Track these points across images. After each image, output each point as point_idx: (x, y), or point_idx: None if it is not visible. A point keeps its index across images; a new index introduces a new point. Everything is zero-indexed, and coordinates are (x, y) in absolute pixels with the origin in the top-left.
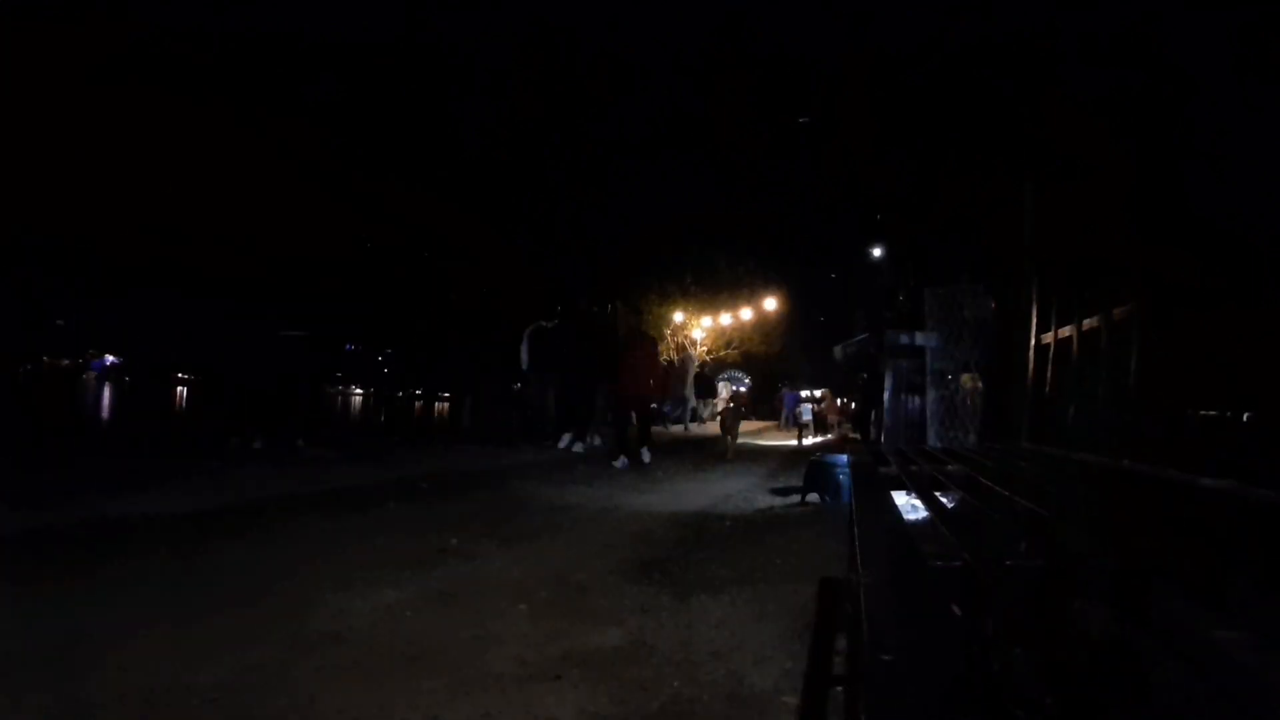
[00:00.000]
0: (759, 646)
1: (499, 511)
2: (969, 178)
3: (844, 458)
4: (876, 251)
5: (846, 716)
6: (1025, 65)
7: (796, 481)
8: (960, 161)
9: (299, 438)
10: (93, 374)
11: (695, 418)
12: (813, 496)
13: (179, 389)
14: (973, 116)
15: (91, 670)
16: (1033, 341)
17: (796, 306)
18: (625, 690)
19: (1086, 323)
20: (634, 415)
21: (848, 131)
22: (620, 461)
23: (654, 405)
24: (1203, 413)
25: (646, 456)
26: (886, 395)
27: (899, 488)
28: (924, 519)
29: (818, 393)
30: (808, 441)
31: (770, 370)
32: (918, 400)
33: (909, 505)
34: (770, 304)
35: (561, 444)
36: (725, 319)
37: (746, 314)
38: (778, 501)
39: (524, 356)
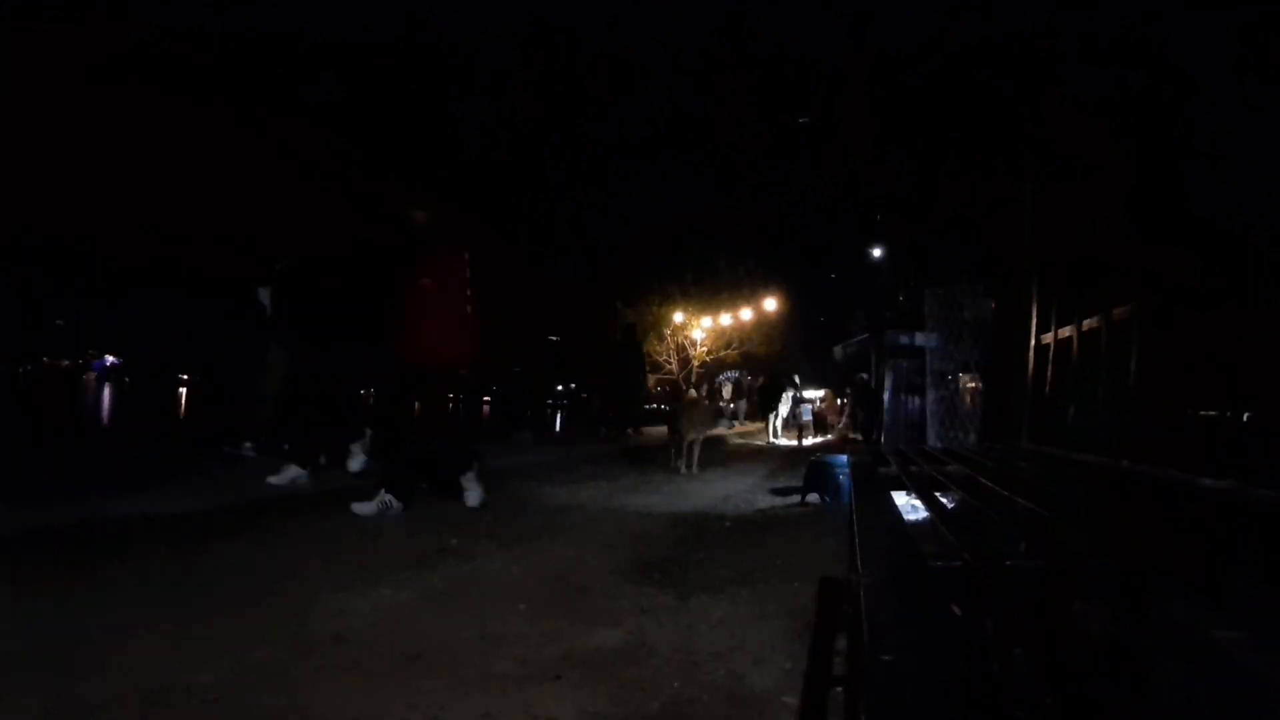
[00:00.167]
0: (759, 647)
1: (498, 511)
2: (969, 178)
3: (844, 458)
4: (876, 251)
5: (846, 716)
6: (1025, 65)
7: (796, 481)
8: (960, 161)
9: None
10: (93, 374)
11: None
12: (813, 497)
13: (179, 390)
14: (973, 116)
15: (91, 670)
16: (1033, 341)
17: (796, 306)
18: (625, 690)
19: (1086, 323)
20: (424, 404)
21: (848, 131)
22: (368, 506)
23: (458, 382)
24: (1203, 413)
25: (473, 497)
26: (886, 395)
27: (899, 488)
28: (924, 519)
29: (819, 393)
30: (808, 441)
31: (770, 370)
32: (918, 400)
33: (909, 505)
34: (770, 304)
35: (280, 478)
36: (725, 319)
37: (746, 314)
38: (778, 501)
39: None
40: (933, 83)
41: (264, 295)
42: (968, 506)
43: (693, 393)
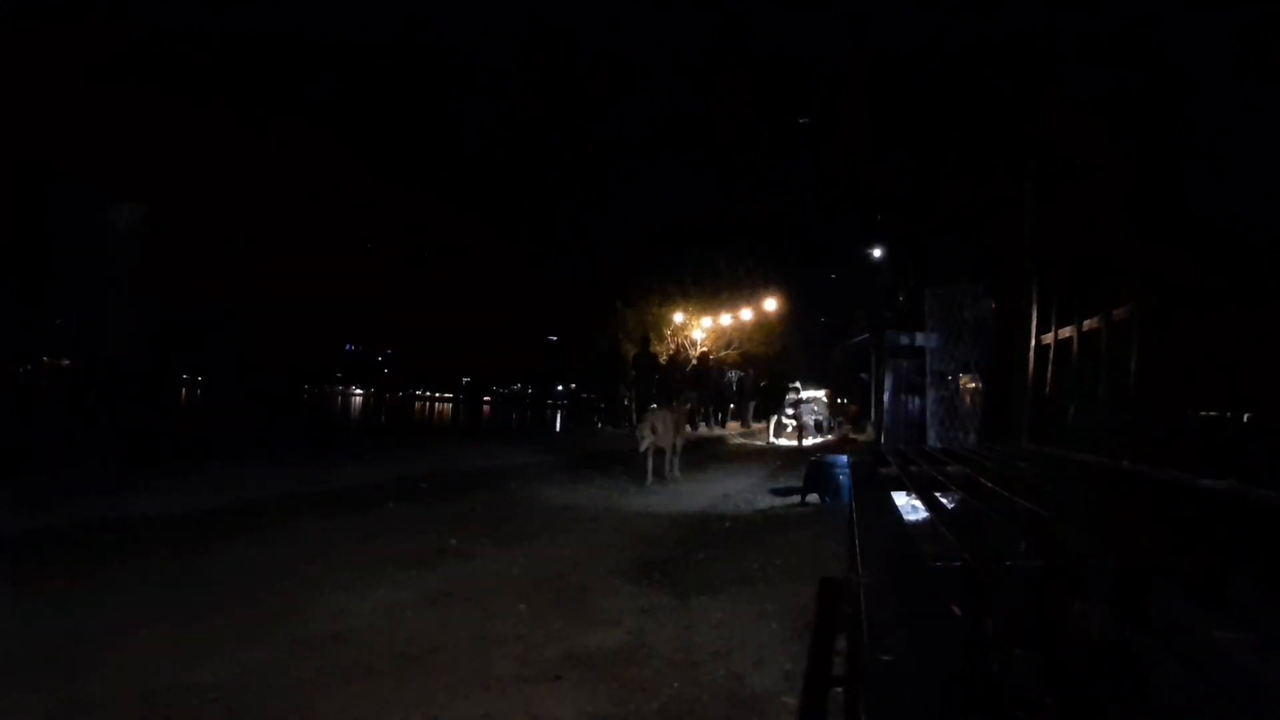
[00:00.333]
0: (759, 647)
1: (498, 512)
2: (969, 178)
3: (844, 458)
4: (876, 251)
5: (846, 716)
6: (1025, 65)
7: (796, 481)
8: (960, 161)
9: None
10: None
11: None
12: (813, 497)
13: (179, 390)
14: (973, 116)
15: (92, 670)
16: (1033, 341)
17: (796, 306)
18: (625, 691)
19: (1086, 323)
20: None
21: (848, 131)
22: None
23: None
24: (1203, 413)
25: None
26: (886, 395)
27: (899, 488)
28: (924, 519)
29: (820, 393)
30: (808, 442)
31: (771, 370)
32: (918, 400)
33: (909, 505)
34: (770, 304)
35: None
36: (725, 319)
37: (746, 314)
38: (778, 502)
39: None
40: (933, 83)
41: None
42: (968, 506)
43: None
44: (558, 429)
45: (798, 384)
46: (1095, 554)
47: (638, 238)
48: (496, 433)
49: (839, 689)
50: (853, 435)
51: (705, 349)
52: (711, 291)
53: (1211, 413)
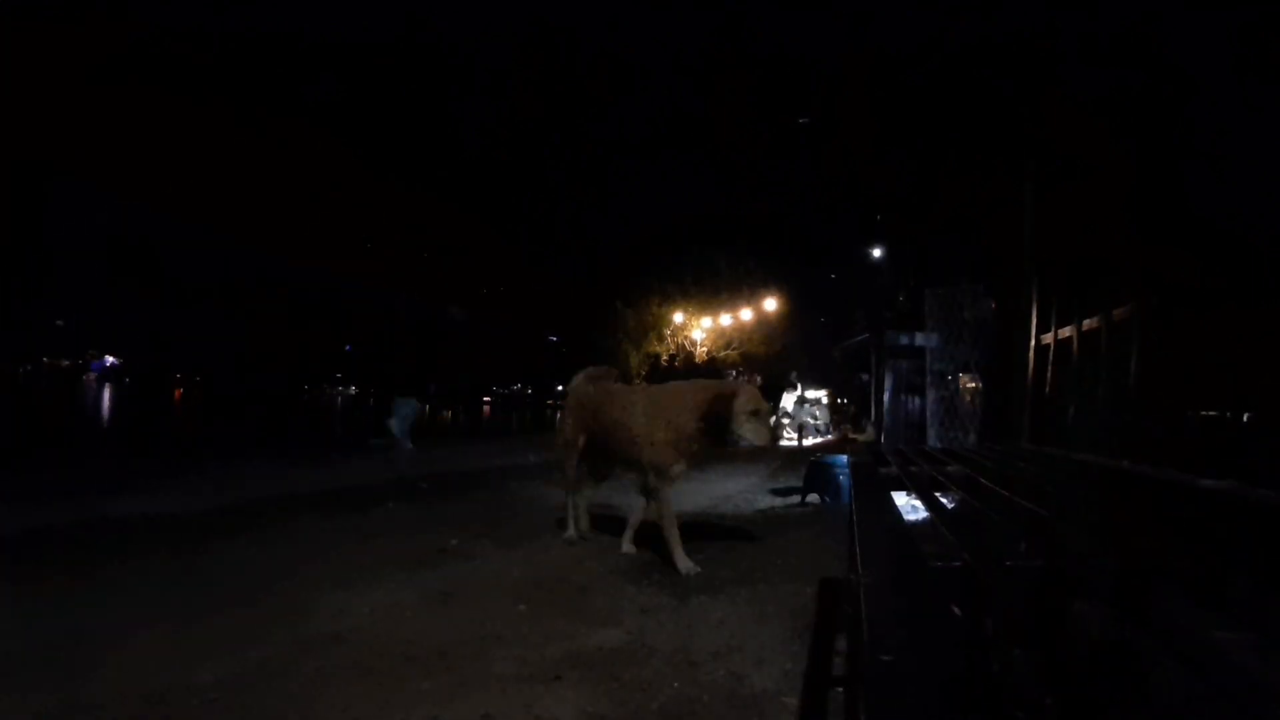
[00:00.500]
0: (759, 647)
1: (498, 512)
2: (969, 178)
3: (844, 458)
4: (876, 251)
5: (846, 717)
6: (1025, 65)
7: (796, 481)
8: (960, 161)
9: None
10: (93, 375)
11: None
12: (813, 497)
13: (178, 390)
14: (973, 116)
15: (92, 670)
16: (1033, 341)
17: (796, 306)
18: (625, 691)
19: (1086, 323)
20: None
21: (848, 131)
22: None
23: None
24: (1203, 413)
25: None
26: (886, 395)
27: (899, 488)
28: (924, 519)
29: (820, 393)
30: (808, 442)
31: (771, 370)
32: (918, 400)
33: (909, 506)
34: (770, 304)
35: None
36: (725, 319)
37: (746, 314)
38: (778, 502)
39: None
40: (933, 83)
41: None
42: (968, 507)
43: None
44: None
45: (797, 380)
46: (1095, 554)
47: (638, 238)
48: (497, 433)
49: (839, 689)
50: (853, 435)
51: (705, 350)
52: (711, 291)
53: (1211, 413)
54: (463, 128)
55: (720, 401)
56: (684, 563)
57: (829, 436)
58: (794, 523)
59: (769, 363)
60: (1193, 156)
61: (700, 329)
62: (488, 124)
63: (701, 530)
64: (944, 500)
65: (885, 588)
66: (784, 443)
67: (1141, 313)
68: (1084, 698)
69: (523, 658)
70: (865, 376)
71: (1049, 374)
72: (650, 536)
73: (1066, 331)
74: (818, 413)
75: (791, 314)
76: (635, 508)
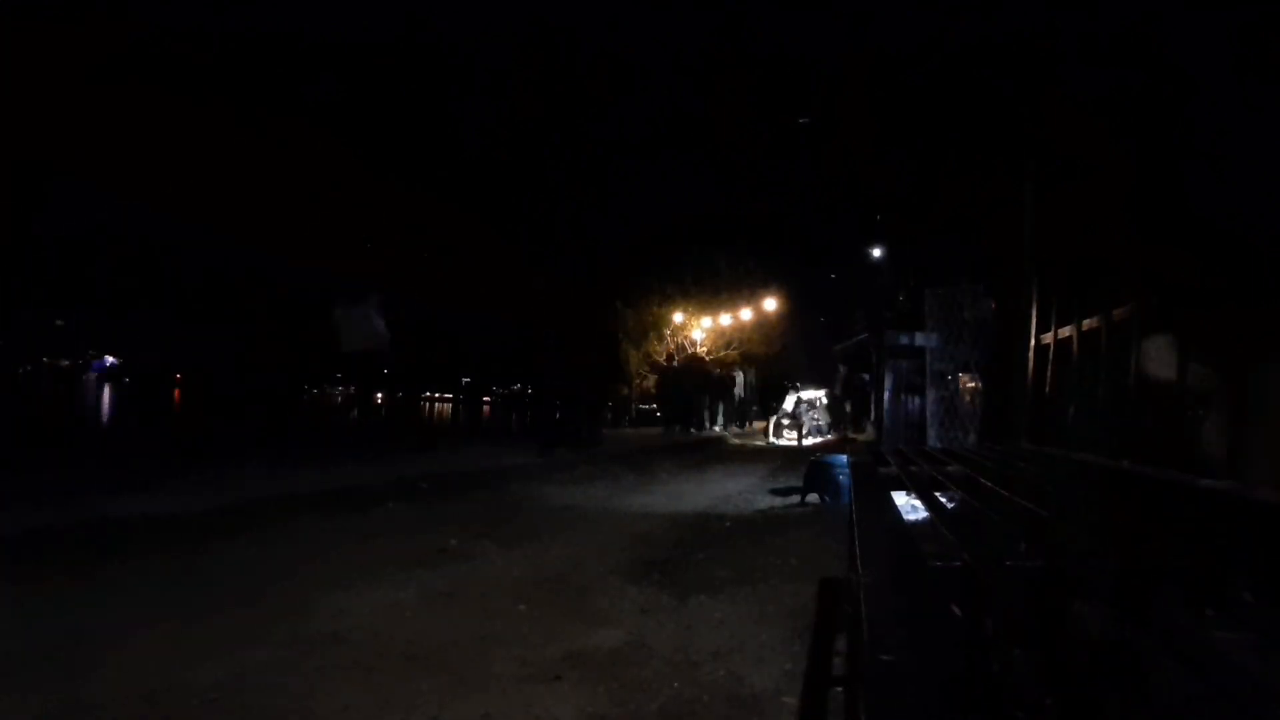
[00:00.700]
0: (759, 647)
1: (499, 512)
2: (969, 178)
3: (844, 458)
4: (876, 251)
5: (846, 716)
6: (1025, 65)
7: (796, 481)
8: (960, 161)
9: None
10: (93, 375)
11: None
12: (813, 497)
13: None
14: (973, 116)
15: (92, 670)
16: (1033, 341)
17: (796, 306)
18: (625, 690)
19: (1086, 323)
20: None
21: (848, 131)
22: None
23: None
24: (1202, 413)
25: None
26: (886, 395)
27: (899, 488)
28: (924, 519)
29: (820, 393)
30: (808, 442)
31: (771, 370)
32: (918, 400)
33: (909, 505)
34: (770, 304)
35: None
36: (725, 319)
37: (746, 314)
38: (778, 501)
39: None
40: (933, 83)
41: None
42: (968, 506)
43: None
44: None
45: (797, 383)
46: (1095, 554)
47: (638, 238)
48: (497, 433)
49: (839, 689)
50: (853, 435)
51: (705, 351)
52: (711, 291)
53: (1211, 413)
54: (463, 128)
55: None
56: None
57: (829, 436)
58: (794, 523)
59: (769, 363)
60: (1193, 156)
61: (700, 329)
62: (488, 124)
63: (702, 530)
64: (944, 500)
65: (885, 588)
66: (784, 443)
67: (1141, 313)
68: (1084, 698)
69: (523, 658)
70: (865, 376)
71: (1049, 374)
72: (651, 536)
73: (1066, 331)
74: (815, 408)
75: (791, 314)
76: (634, 506)
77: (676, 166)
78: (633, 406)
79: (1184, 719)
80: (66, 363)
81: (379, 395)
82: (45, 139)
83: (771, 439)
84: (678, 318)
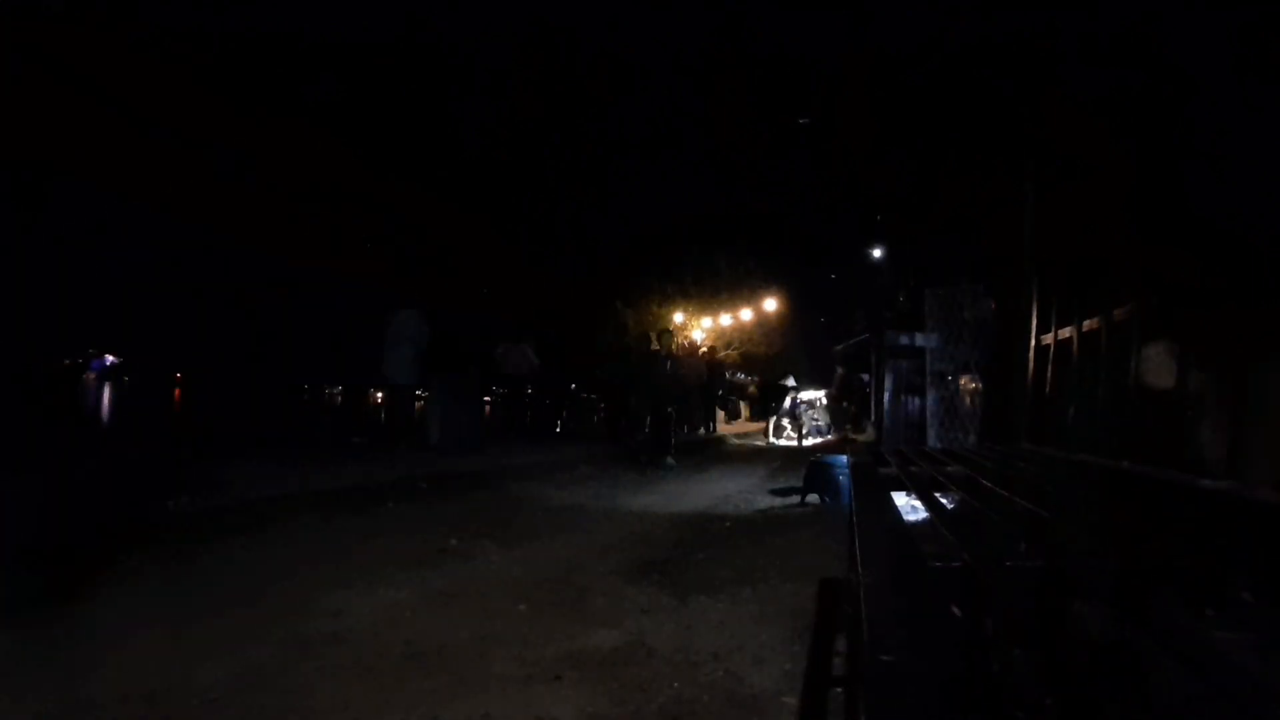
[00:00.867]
0: (759, 647)
1: (499, 512)
2: (969, 178)
3: (844, 458)
4: (876, 251)
5: (846, 716)
6: (1025, 65)
7: (796, 481)
8: (960, 161)
9: None
10: (92, 374)
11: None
12: (813, 497)
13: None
14: (973, 116)
15: (92, 670)
16: (1033, 341)
17: (796, 306)
18: (625, 691)
19: (1086, 323)
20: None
21: (848, 131)
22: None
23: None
24: (1203, 413)
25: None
26: (886, 395)
27: (899, 488)
28: (924, 519)
29: (820, 393)
30: (808, 442)
31: (772, 370)
32: (918, 400)
33: (909, 506)
34: (770, 304)
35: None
36: (725, 319)
37: (746, 314)
38: (778, 502)
39: None
40: (933, 83)
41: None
42: (968, 507)
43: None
44: (558, 429)
45: (795, 382)
46: (1095, 554)
47: (638, 238)
48: (496, 432)
49: (839, 689)
50: (853, 435)
51: (707, 346)
52: (711, 291)
53: (1211, 412)
54: (463, 128)
55: None
56: None
57: (829, 436)
58: (794, 523)
59: (769, 363)
60: (1193, 156)
61: (700, 329)
62: (488, 124)
63: (702, 530)
64: (944, 500)
65: (885, 588)
66: (784, 443)
67: (1141, 313)
68: (1084, 698)
69: (523, 658)
70: (865, 376)
71: (1049, 374)
72: (651, 536)
73: (1066, 331)
74: (815, 408)
75: (791, 314)
76: (634, 506)
77: (676, 166)
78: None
79: (1184, 719)
80: (67, 362)
81: (379, 395)
82: (45, 139)
83: (771, 439)
84: (678, 318)
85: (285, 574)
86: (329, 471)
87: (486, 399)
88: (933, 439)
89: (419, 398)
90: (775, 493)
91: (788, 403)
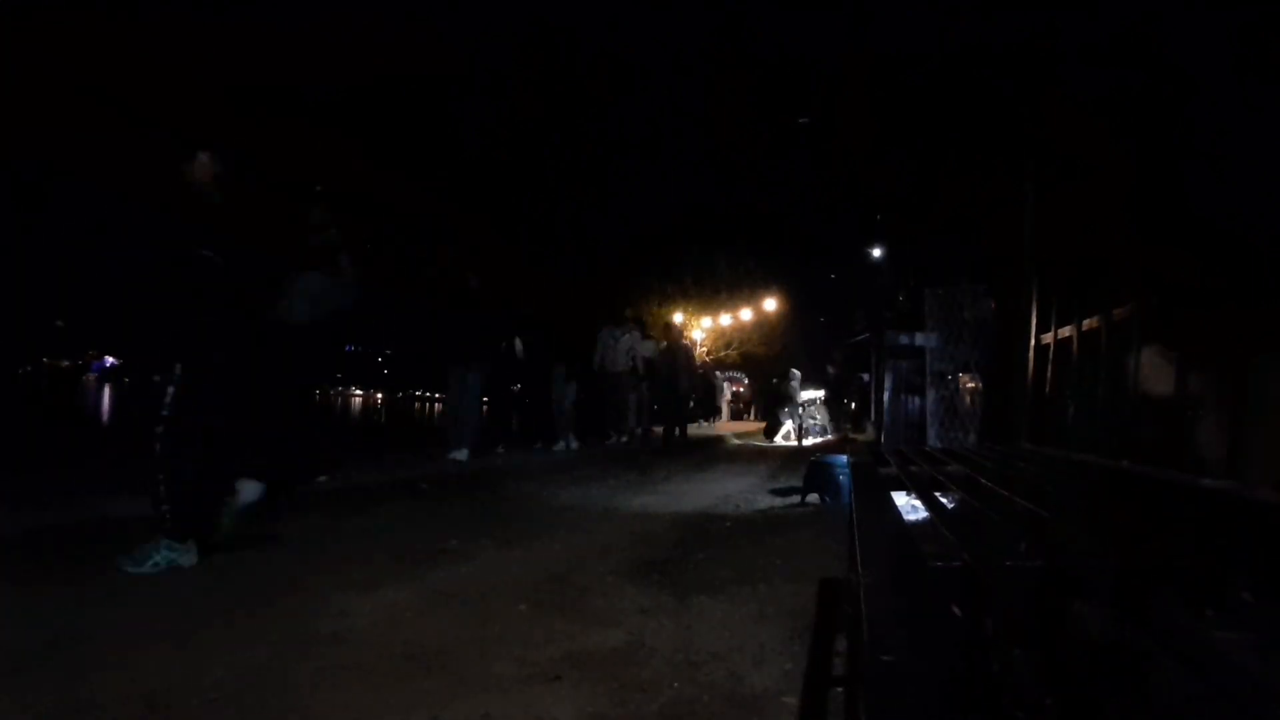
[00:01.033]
0: (759, 647)
1: (498, 512)
2: (969, 178)
3: (844, 458)
4: (876, 251)
5: (846, 717)
6: (1025, 65)
7: (796, 481)
8: (960, 161)
9: None
10: (93, 375)
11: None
12: (813, 497)
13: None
14: (973, 116)
15: (92, 670)
16: (1033, 341)
17: (796, 306)
18: (625, 691)
19: (1086, 323)
20: None
21: (848, 131)
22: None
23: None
24: (1203, 413)
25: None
26: (886, 395)
27: (899, 488)
28: (924, 519)
29: (819, 393)
30: (808, 442)
31: (772, 370)
32: (918, 400)
33: (909, 505)
34: (770, 304)
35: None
36: (725, 319)
37: (746, 314)
38: (778, 502)
39: None
40: (933, 83)
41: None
42: (968, 507)
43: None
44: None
45: (797, 373)
46: (1095, 554)
47: (638, 238)
48: (497, 431)
49: (839, 689)
50: (853, 435)
51: (705, 349)
52: (711, 291)
53: (1211, 412)
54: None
55: None
56: None
57: (829, 436)
58: (794, 523)
59: (769, 363)
60: (1193, 156)
61: (700, 329)
62: (488, 124)
63: (702, 530)
64: (944, 500)
65: (885, 588)
66: (784, 443)
67: (1141, 313)
68: (1084, 698)
69: (523, 658)
70: (865, 376)
71: (1049, 374)
72: (652, 536)
73: (1066, 331)
74: (815, 408)
75: (791, 314)
76: (634, 506)
77: (676, 166)
78: None
79: (1184, 719)
80: (66, 363)
81: (378, 395)
82: (45, 139)
83: (771, 439)
84: (678, 317)
85: (285, 574)
86: (328, 471)
87: (486, 399)
88: (933, 439)
89: (420, 398)
90: (775, 492)
91: (792, 396)
